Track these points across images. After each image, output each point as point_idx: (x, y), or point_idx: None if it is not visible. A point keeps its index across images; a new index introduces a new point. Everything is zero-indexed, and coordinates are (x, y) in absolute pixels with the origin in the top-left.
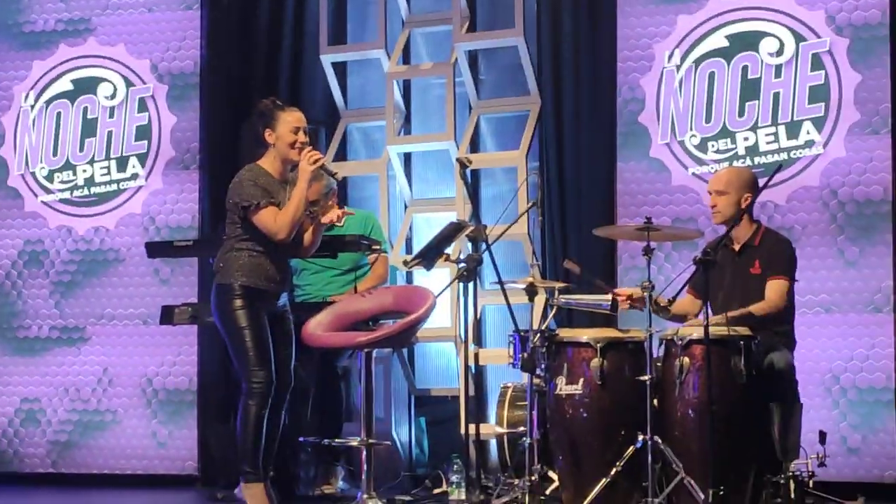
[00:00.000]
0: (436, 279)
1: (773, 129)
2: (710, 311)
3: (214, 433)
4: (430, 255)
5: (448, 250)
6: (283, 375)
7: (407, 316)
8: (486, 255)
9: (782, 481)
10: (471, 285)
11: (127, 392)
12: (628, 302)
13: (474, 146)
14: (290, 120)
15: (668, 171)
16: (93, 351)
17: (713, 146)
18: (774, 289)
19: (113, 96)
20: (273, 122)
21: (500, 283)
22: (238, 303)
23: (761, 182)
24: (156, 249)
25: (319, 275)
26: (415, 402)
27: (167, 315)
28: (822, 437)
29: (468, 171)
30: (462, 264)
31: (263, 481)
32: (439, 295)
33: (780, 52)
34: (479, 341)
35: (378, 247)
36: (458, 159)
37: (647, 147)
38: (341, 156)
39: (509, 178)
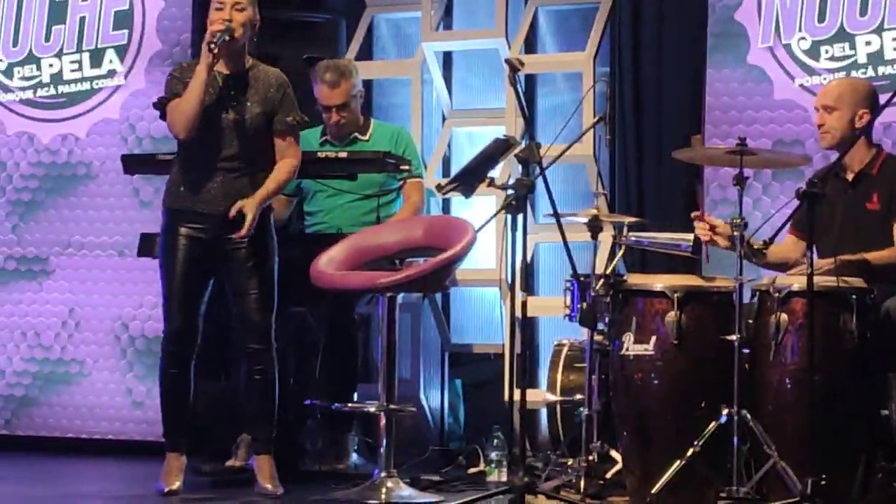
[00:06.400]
0: (478, 209)
1: None
2: (815, 255)
3: (203, 392)
4: (470, 179)
5: (493, 173)
6: (244, 324)
7: (440, 253)
8: (539, 181)
9: None
10: (520, 218)
11: (97, 339)
12: (710, 234)
13: (530, 46)
14: None
15: (769, 82)
16: (57, 287)
17: (827, 52)
18: None
19: None
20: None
21: (556, 215)
22: (164, 229)
23: (884, 98)
24: (135, 164)
25: (334, 199)
26: (449, 361)
27: (147, 245)
28: None
29: (521, 77)
30: (510, 191)
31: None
32: (481, 229)
33: None
34: (529, 288)
35: (407, 167)
36: (507, 61)
37: (744, 51)
38: (366, 54)
39: (572, 87)
